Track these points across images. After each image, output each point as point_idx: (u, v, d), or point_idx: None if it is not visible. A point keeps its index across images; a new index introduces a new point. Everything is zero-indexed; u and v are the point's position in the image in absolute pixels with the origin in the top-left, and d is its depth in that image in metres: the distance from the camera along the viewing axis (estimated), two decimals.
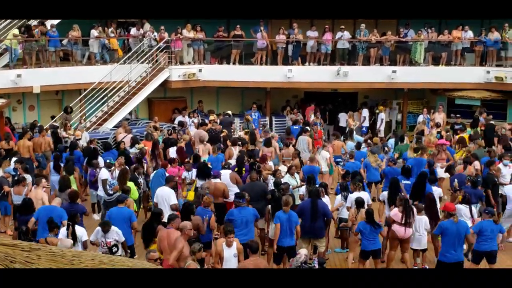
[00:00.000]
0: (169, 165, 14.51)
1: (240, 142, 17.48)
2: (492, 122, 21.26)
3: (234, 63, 24.11)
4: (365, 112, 24.04)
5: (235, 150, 16.74)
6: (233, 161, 15.56)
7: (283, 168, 14.86)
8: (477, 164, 15.22)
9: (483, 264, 11.47)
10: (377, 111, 24.30)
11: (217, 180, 13.28)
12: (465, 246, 11.47)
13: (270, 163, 15.80)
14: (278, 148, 17.53)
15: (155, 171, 14.59)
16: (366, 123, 23.89)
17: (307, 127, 19.96)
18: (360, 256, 11.64)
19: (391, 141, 18.83)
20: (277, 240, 11.15)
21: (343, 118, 24.11)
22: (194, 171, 14.22)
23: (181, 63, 23.63)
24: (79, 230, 10.60)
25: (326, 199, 12.45)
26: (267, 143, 17.28)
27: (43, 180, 13.13)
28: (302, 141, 18.38)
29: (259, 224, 12.47)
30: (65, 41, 22.35)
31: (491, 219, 11.25)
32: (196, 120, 22.06)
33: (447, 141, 18.26)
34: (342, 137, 19.81)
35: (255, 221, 11.70)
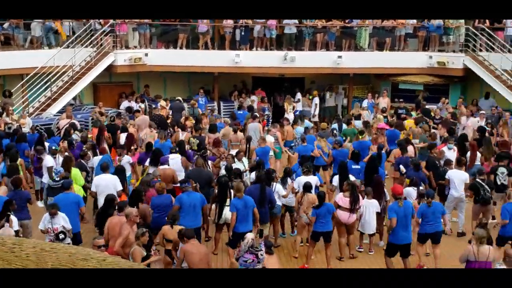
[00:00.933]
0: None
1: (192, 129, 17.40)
2: (428, 107, 21.78)
3: (181, 48, 23.93)
4: (299, 95, 24.24)
5: (182, 135, 16.68)
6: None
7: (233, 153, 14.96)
8: (410, 148, 15.59)
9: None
10: (310, 96, 24.47)
11: (165, 166, 13.26)
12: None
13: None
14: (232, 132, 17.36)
15: (100, 158, 14.40)
16: (300, 107, 23.96)
17: (256, 114, 20.00)
18: (311, 238, 11.82)
19: (335, 126, 19.07)
20: (233, 227, 11.13)
21: None
22: (126, 158, 14.24)
23: (127, 47, 23.33)
24: (12, 218, 10.34)
25: (278, 187, 12.62)
26: (212, 129, 17.21)
27: None
28: (253, 128, 18.39)
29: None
30: (6, 25, 21.70)
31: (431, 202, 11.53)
32: (143, 106, 21.82)
33: (388, 125, 18.65)
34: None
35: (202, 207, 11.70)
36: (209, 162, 14.66)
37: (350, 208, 11.84)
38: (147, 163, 13.91)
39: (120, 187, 12.31)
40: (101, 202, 12.34)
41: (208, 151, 15.34)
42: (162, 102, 21.26)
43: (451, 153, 15.33)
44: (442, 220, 11.66)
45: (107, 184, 12.30)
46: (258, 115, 19.74)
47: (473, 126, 19.06)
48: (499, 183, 13.83)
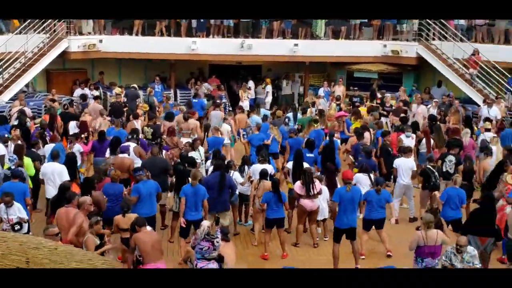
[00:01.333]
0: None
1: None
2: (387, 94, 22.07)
3: (136, 34, 23.66)
4: (251, 83, 24.28)
5: (137, 124, 16.53)
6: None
7: (184, 141, 14.90)
8: (367, 135, 15.81)
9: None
10: (263, 85, 24.50)
11: (125, 155, 13.15)
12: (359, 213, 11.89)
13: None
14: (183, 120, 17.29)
15: (52, 146, 14.17)
16: (252, 95, 23.99)
17: (218, 101, 19.94)
18: (265, 225, 11.93)
19: (289, 115, 19.17)
20: (182, 214, 11.16)
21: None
22: (77, 146, 14.06)
23: (80, 33, 22.93)
24: None
25: (235, 174, 12.71)
26: (169, 116, 17.07)
27: None
28: (215, 116, 18.31)
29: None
30: None
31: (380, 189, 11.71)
32: (97, 93, 21.50)
33: (346, 113, 18.86)
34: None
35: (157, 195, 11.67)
36: (163, 151, 14.60)
37: (312, 194, 11.89)
38: (107, 154, 13.71)
39: (66, 177, 12.05)
40: (47, 190, 12.28)
41: (163, 141, 15.27)
42: (117, 90, 20.97)
43: (410, 141, 15.53)
44: (390, 208, 11.88)
45: (52, 172, 12.17)
46: (220, 103, 19.69)
47: (423, 114, 19.39)
48: (444, 170, 14.00)
